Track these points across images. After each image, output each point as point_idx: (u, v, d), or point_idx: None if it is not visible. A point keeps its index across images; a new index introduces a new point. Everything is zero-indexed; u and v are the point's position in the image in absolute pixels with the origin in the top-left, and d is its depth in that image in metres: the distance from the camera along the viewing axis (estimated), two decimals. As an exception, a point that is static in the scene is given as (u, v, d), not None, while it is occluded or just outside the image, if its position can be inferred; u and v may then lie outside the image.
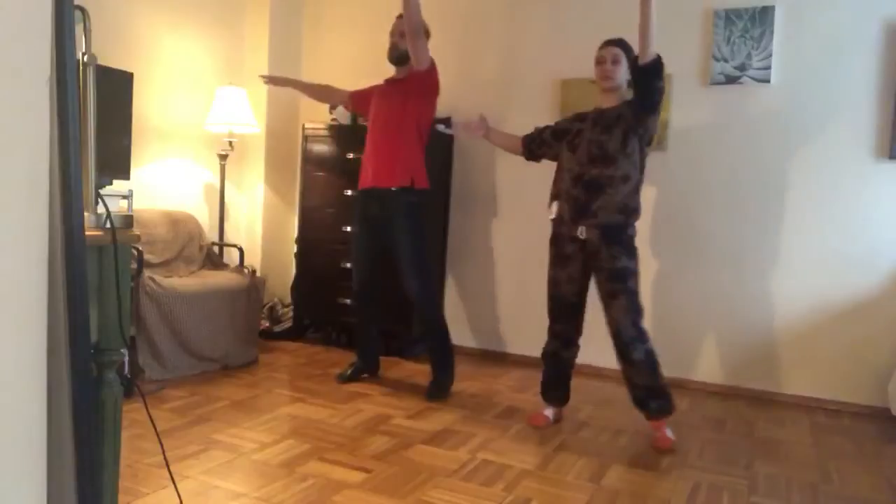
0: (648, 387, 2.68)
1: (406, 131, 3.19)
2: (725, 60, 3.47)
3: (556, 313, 2.86)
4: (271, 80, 3.65)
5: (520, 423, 2.88)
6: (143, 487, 2.05)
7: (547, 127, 2.96)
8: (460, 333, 4.22)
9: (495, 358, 4.07)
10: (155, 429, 1.80)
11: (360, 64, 4.41)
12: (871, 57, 3.23)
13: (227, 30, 4.29)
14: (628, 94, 2.74)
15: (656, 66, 2.57)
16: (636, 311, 2.67)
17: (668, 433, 2.68)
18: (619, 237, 2.67)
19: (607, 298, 2.69)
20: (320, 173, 4.12)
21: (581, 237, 2.71)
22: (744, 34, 3.43)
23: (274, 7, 4.42)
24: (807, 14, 3.34)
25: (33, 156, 1.06)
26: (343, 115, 4.10)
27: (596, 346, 3.79)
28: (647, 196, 3.67)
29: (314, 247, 4.14)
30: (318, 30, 4.65)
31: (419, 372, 3.66)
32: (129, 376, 3.00)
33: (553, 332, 2.89)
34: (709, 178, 3.55)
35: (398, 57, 3.25)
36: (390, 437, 2.63)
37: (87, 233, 1.21)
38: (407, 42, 3.07)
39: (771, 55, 3.38)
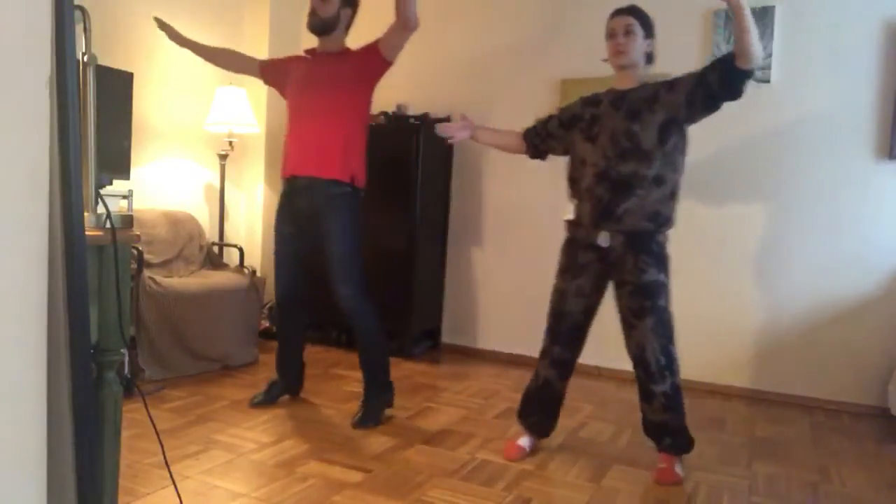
0: (662, 424, 2.33)
1: (351, 118, 2.77)
2: (725, 60, 3.47)
3: (556, 333, 2.44)
4: (163, 25, 2.96)
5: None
6: (143, 487, 2.05)
7: (551, 117, 2.56)
8: (460, 333, 4.22)
9: (495, 358, 4.07)
10: (155, 429, 1.80)
11: (360, 64, 4.41)
12: (872, 57, 3.23)
13: (227, 29, 4.29)
14: (648, 72, 2.39)
15: (753, 72, 2.21)
16: (666, 334, 2.27)
17: (678, 469, 2.33)
18: (647, 245, 2.28)
19: (632, 318, 2.28)
20: (320, 173, 4.11)
21: (602, 245, 2.31)
22: (744, 34, 3.42)
23: (274, 6, 4.42)
24: (807, 14, 3.34)
25: (33, 156, 1.06)
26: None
27: (596, 347, 3.78)
28: (647, 196, 3.67)
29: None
30: (318, 30, 4.65)
31: (419, 372, 3.66)
32: (129, 376, 3.00)
33: (550, 357, 2.46)
34: (708, 179, 3.55)
35: (321, 25, 2.79)
36: (390, 437, 2.63)
37: (87, 233, 1.21)
38: (398, 35, 2.73)
39: (771, 55, 3.38)
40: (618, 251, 2.30)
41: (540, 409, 2.53)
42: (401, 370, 3.67)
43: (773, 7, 3.36)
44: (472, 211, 4.17)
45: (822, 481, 2.40)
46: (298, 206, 2.82)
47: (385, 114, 4.05)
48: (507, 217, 4.06)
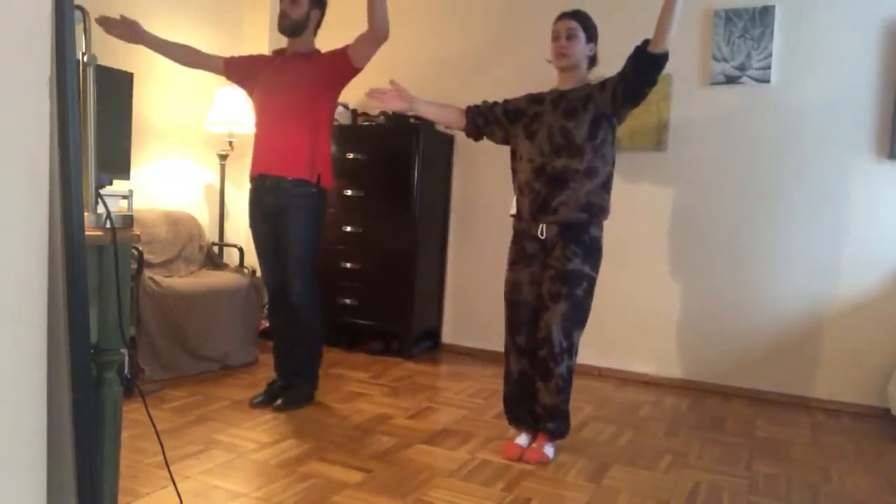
0: (553, 406, 2.44)
1: (318, 119, 2.84)
2: (725, 60, 3.47)
3: (517, 323, 2.51)
4: (107, 24, 2.72)
5: (520, 423, 2.88)
6: (143, 487, 2.05)
7: (496, 103, 2.64)
8: (460, 333, 4.22)
9: (495, 358, 4.07)
10: (155, 429, 1.79)
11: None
12: (871, 56, 3.23)
13: (226, 29, 4.29)
14: (589, 75, 2.50)
15: (665, 58, 2.28)
16: (575, 321, 2.39)
17: (549, 451, 2.46)
18: (578, 237, 2.40)
19: (549, 301, 2.40)
20: (320, 173, 4.11)
21: (541, 237, 2.44)
22: (744, 34, 3.43)
23: (274, 7, 4.40)
24: (807, 14, 3.34)
25: (33, 156, 1.06)
26: (343, 115, 4.10)
27: (596, 347, 3.79)
28: (647, 196, 3.67)
29: (314, 247, 4.14)
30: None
31: (419, 372, 3.66)
32: (129, 376, 3.00)
33: (515, 348, 2.53)
34: (708, 178, 3.55)
35: (291, 27, 2.85)
36: (390, 437, 2.63)
37: (87, 233, 1.21)
38: (367, 44, 2.77)
39: (771, 55, 3.38)
40: (552, 240, 2.44)
41: (525, 406, 2.55)
42: (401, 370, 3.67)
43: (773, 7, 3.36)
44: (473, 211, 4.17)
45: (822, 481, 2.40)
46: (266, 204, 2.92)
47: (385, 114, 4.05)
48: (508, 217, 4.05)
